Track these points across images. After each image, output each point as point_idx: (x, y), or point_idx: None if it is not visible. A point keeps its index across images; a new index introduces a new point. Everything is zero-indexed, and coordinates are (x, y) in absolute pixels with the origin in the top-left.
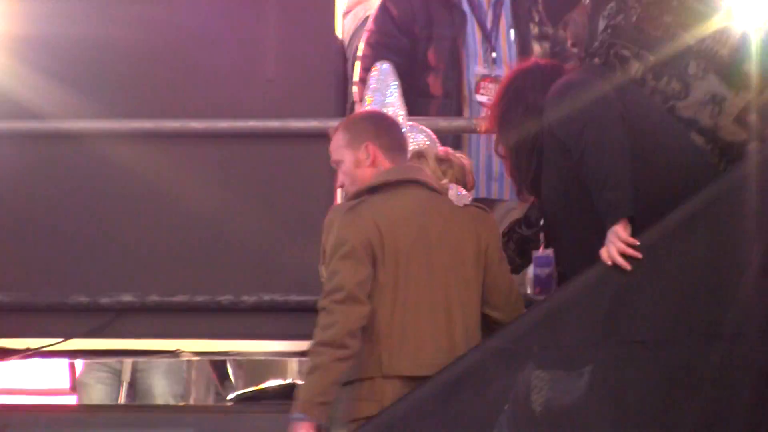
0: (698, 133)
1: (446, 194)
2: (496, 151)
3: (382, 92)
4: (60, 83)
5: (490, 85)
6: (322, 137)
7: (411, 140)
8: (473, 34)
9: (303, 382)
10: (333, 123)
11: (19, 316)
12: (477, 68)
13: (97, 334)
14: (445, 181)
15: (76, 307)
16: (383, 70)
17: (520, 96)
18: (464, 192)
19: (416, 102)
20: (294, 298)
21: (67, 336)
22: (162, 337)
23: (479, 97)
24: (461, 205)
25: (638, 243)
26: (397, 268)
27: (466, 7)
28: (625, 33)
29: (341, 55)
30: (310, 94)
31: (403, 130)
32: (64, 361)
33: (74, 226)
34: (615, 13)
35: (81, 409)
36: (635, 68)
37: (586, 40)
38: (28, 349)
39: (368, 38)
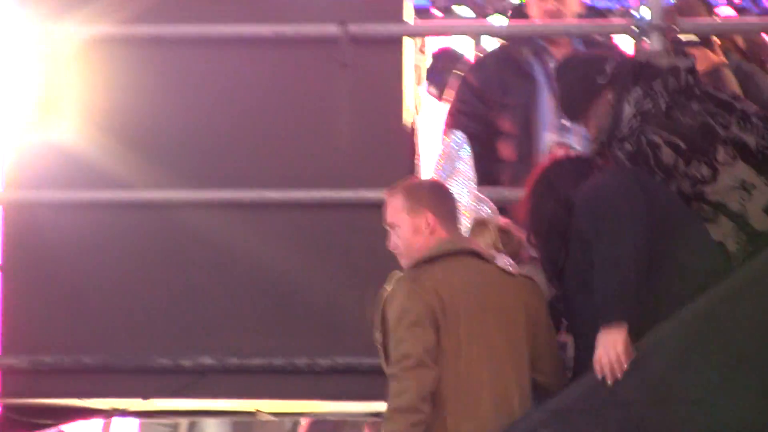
0: (727, 217)
1: (495, 263)
2: (528, 240)
3: (453, 159)
4: (142, 154)
5: (562, 152)
6: None
7: (477, 210)
8: (546, 102)
9: None
10: None
11: (103, 377)
12: (549, 135)
13: (178, 395)
14: (491, 248)
15: (157, 368)
16: (455, 137)
17: (551, 188)
18: (512, 262)
19: (491, 167)
20: (367, 360)
21: (150, 396)
22: (240, 397)
23: None
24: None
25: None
26: (459, 335)
27: (539, 75)
28: (655, 119)
29: (409, 126)
30: (380, 164)
31: (470, 197)
32: (99, 422)
33: (156, 292)
34: (642, 99)
35: None
36: (666, 154)
37: (610, 125)
38: (113, 409)
39: (449, 108)
